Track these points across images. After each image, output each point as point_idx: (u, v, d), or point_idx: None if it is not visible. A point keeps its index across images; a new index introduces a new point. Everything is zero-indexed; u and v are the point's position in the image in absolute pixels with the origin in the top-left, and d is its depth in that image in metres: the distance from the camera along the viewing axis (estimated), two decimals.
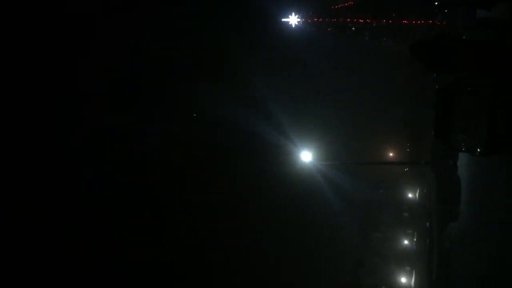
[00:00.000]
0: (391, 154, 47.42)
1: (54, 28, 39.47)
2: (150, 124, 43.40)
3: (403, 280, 45.78)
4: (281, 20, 33.46)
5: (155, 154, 42.37)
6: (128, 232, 39.94)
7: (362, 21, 30.22)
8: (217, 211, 41.79)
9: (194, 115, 44.45)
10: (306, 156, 27.72)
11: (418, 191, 45.82)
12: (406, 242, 48.05)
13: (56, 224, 38.16)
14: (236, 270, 39.38)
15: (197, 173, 42.14)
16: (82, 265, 38.47)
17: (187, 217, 40.49)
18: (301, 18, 32.87)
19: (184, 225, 39.88)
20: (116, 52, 43.08)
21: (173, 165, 41.96)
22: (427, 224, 35.13)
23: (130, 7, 42.36)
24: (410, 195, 48.75)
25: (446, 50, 6.89)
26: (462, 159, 17.49)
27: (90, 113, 43.10)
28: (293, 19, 32.70)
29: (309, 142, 30.45)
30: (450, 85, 7.99)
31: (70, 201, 40.09)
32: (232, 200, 41.75)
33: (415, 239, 45.15)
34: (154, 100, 46.25)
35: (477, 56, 6.97)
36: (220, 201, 41.96)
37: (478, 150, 7.67)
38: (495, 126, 7.35)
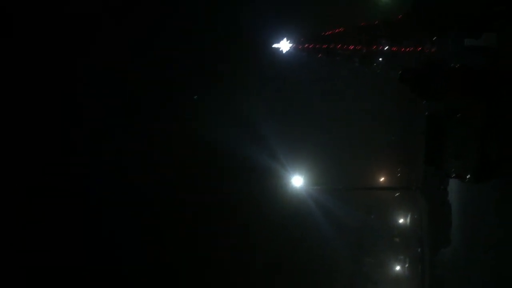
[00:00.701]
0: (382, 179, 47.52)
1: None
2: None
3: None
4: (272, 46, 33.75)
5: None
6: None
7: (352, 47, 30.53)
8: (210, 222, 41.68)
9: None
10: (297, 180, 27.77)
11: (409, 216, 45.77)
12: (397, 267, 47.78)
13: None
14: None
15: (184, 197, 42.03)
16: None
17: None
18: (292, 44, 33.15)
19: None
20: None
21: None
22: (419, 249, 35.03)
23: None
24: (401, 221, 48.66)
25: (436, 77, 6.97)
26: (453, 184, 17.55)
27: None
28: (284, 45, 32.96)
29: (300, 166, 30.51)
30: (441, 112, 8.07)
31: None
32: (222, 221, 41.60)
33: (406, 265, 44.90)
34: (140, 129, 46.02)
35: (466, 82, 7.05)
36: (209, 220, 41.92)
37: (468, 176, 7.70)
38: (485, 152, 7.40)
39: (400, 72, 7.41)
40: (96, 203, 40.02)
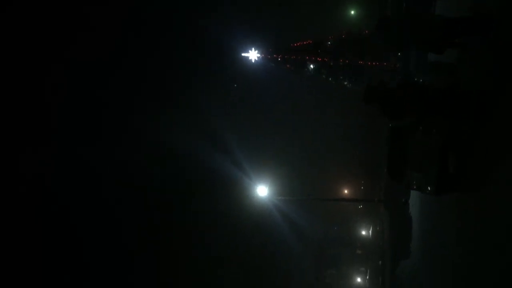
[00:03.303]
0: (346, 191, 48.03)
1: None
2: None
3: None
4: (241, 55, 33.74)
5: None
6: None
7: (320, 59, 30.87)
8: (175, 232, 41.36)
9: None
10: (262, 190, 27.74)
11: (371, 228, 46.36)
12: (359, 279, 48.22)
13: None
14: None
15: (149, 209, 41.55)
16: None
17: None
18: (260, 54, 33.21)
19: None
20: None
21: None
22: (380, 262, 35.44)
23: None
24: (363, 232, 49.25)
25: (399, 97, 7.06)
26: (415, 197, 17.79)
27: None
28: (252, 54, 32.97)
29: (265, 177, 30.50)
30: (404, 125, 8.17)
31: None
32: (186, 234, 41.21)
33: (367, 277, 45.38)
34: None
35: (429, 100, 7.16)
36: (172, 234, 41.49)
37: (429, 188, 7.79)
38: (445, 166, 7.52)
39: (365, 90, 7.47)
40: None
